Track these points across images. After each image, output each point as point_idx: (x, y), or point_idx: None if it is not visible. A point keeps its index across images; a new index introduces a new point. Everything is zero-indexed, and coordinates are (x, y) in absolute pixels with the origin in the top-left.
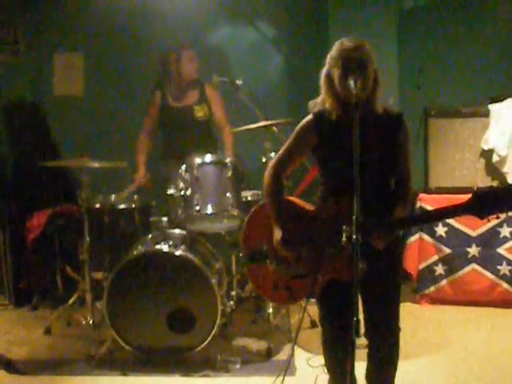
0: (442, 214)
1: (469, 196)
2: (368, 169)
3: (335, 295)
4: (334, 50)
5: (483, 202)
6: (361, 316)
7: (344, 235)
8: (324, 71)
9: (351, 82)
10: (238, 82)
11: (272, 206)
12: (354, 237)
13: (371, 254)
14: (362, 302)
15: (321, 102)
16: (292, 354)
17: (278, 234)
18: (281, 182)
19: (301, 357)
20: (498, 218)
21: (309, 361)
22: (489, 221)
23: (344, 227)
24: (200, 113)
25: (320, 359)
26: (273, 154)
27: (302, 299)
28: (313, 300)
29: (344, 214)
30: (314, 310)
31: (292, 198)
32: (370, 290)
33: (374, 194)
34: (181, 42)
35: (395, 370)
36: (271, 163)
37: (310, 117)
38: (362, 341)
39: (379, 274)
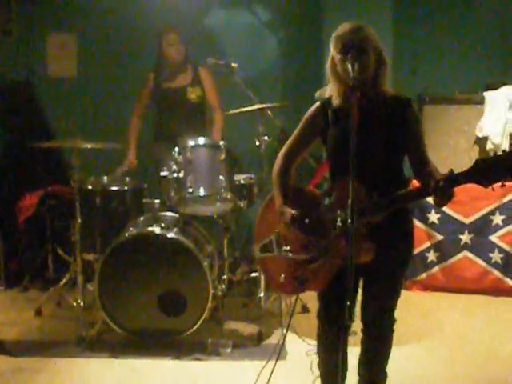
0: (445, 183)
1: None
2: (373, 151)
3: (338, 288)
4: (334, 35)
5: (485, 169)
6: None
7: (339, 220)
8: (329, 57)
9: (349, 65)
10: (234, 65)
11: (280, 190)
12: (350, 221)
13: (382, 236)
14: (363, 285)
15: (329, 89)
16: (283, 339)
17: (286, 214)
18: (290, 170)
19: (292, 341)
20: (503, 185)
21: (300, 345)
22: (493, 189)
23: (338, 212)
24: (193, 94)
25: (311, 344)
26: (266, 138)
27: (311, 289)
28: None
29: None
30: (305, 294)
31: (299, 186)
32: (374, 273)
33: (381, 176)
34: (165, 24)
35: (388, 356)
36: (281, 152)
37: (317, 103)
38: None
39: (388, 258)
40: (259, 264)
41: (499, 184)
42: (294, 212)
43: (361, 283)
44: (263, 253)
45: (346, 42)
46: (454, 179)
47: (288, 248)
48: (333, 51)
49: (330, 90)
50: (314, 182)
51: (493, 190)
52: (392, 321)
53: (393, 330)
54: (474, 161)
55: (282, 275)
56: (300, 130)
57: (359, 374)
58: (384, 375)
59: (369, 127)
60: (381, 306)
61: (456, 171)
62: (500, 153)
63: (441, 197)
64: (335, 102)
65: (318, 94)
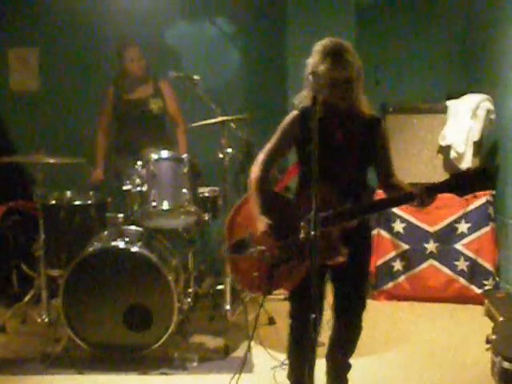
0: (430, 190)
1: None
2: (347, 162)
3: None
4: (320, 48)
5: (462, 183)
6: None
7: (302, 231)
8: (309, 68)
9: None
10: (195, 77)
11: (257, 198)
12: (312, 233)
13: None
14: (333, 288)
15: (306, 98)
16: (249, 351)
17: (262, 223)
18: (267, 176)
19: (258, 353)
20: (475, 196)
21: (267, 357)
22: (466, 200)
23: (302, 224)
24: (154, 105)
25: (277, 356)
26: (229, 150)
27: (282, 287)
28: (270, 296)
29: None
30: (271, 306)
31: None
32: (345, 274)
33: (352, 185)
34: (124, 39)
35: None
36: (259, 158)
37: (295, 112)
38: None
39: (356, 260)
40: (230, 263)
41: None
42: (269, 222)
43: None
44: (233, 252)
45: (335, 54)
46: (437, 187)
47: (262, 247)
48: (317, 65)
49: (307, 98)
50: (280, 185)
51: (466, 200)
52: (363, 307)
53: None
54: (437, 170)
55: (255, 273)
56: (278, 138)
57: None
58: (349, 366)
59: (344, 140)
60: (355, 292)
61: (421, 180)
62: (466, 162)
63: (425, 201)
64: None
65: (295, 98)
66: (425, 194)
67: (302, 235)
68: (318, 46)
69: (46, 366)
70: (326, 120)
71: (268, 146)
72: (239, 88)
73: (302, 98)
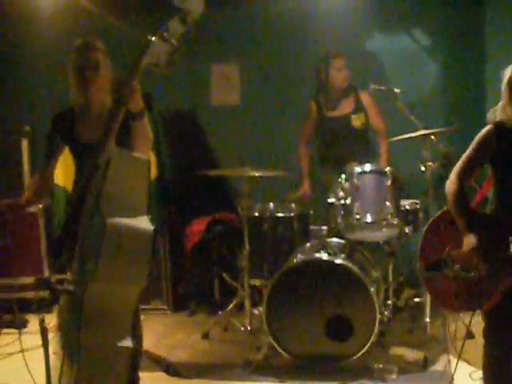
0: None
1: None
2: None
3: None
4: None
5: None
6: None
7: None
8: (507, 78)
9: None
10: (396, 91)
11: (459, 212)
12: None
13: None
14: None
15: (501, 109)
16: (448, 364)
17: (470, 240)
18: (464, 188)
19: (460, 369)
20: None
21: (471, 374)
22: None
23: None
24: (357, 122)
25: (477, 371)
26: (431, 163)
27: (482, 306)
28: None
29: None
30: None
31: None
32: None
33: None
34: (330, 50)
35: None
36: (454, 170)
37: (490, 126)
38: None
39: None
40: (425, 283)
41: None
42: (477, 239)
43: None
44: (431, 268)
45: None
46: None
47: (459, 266)
48: None
49: (502, 110)
50: (475, 202)
51: None
52: None
53: None
54: None
55: (456, 292)
56: (473, 152)
57: None
58: None
59: None
60: None
61: None
62: None
63: None
64: (509, 124)
65: (489, 114)
66: None
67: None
68: None
69: (248, 372)
70: None
71: (462, 159)
72: (438, 101)
73: (498, 110)
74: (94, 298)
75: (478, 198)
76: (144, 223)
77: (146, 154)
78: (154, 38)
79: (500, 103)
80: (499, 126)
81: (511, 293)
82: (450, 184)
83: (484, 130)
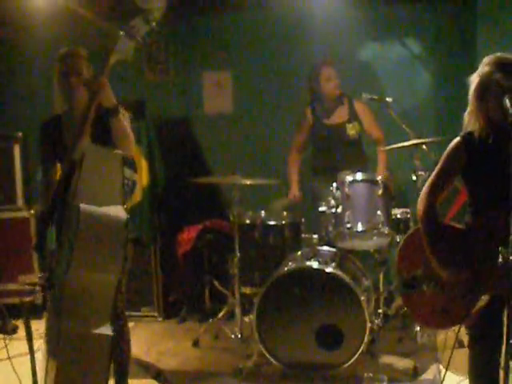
0: None
1: None
2: None
3: (490, 316)
4: (487, 65)
5: None
6: None
7: (500, 256)
8: (474, 85)
9: (507, 101)
10: (388, 99)
11: (428, 235)
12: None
13: None
14: None
15: (468, 120)
16: (438, 373)
17: (445, 275)
18: (435, 209)
19: (449, 377)
20: None
21: (460, 383)
22: None
23: (500, 248)
24: (352, 131)
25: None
26: (422, 173)
27: (460, 322)
28: None
29: (496, 229)
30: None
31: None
32: None
33: None
34: (318, 60)
35: None
36: (424, 191)
37: (457, 139)
38: None
39: None
40: (403, 299)
41: None
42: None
43: None
44: (407, 286)
45: (507, 75)
46: None
47: (435, 283)
48: (484, 84)
49: (469, 120)
50: (449, 216)
51: None
52: None
53: None
54: None
55: (430, 308)
56: (441, 168)
57: None
58: None
59: None
60: None
61: None
62: None
63: None
64: (479, 137)
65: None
66: None
67: (500, 260)
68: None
69: (238, 380)
70: (493, 142)
71: (431, 178)
72: (430, 110)
73: (465, 116)
74: (74, 284)
75: (458, 202)
76: (118, 211)
77: (129, 151)
78: (120, 33)
79: (466, 113)
80: (467, 138)
81: (493, 304)
82: (420, 205)
83: (452, 143)
